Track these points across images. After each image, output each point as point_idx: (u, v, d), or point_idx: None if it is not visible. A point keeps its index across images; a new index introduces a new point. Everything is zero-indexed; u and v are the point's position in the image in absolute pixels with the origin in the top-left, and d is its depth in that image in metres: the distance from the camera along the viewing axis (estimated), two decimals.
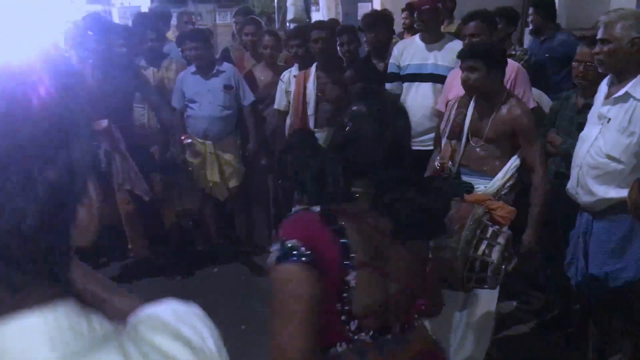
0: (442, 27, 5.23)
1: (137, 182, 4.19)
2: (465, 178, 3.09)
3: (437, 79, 4.01)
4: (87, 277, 0.99)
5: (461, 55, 3.10)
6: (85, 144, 0.67)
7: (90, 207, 0.69)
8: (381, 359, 1.47)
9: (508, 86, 3.44)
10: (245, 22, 5.20)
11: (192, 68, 4.57)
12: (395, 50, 4.29)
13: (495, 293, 3.09)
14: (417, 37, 4.26)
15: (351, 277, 1.41)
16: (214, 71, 4.52)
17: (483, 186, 3.05)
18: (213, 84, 4.50)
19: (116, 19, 13.45)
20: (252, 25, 5.03)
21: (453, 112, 3.24)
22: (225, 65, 4.61)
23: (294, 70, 4.36)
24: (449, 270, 2.74)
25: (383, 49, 4.61)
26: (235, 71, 4.56)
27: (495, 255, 2.73)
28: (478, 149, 3.13)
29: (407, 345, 1.53)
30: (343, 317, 1.43)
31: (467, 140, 3.16)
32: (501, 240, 2.75)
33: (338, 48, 4.40)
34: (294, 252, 1.35)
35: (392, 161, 1.49)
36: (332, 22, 5.98)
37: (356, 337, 1.45)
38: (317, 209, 1.45)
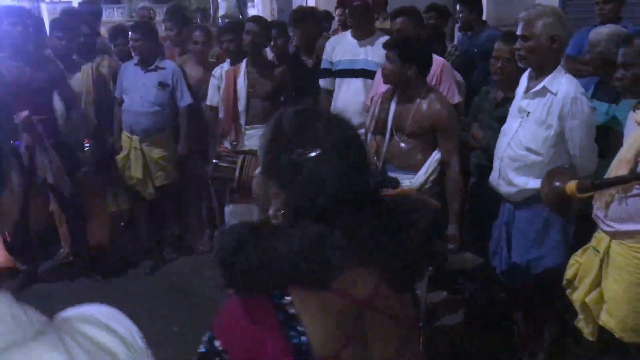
0: (377, 23, 5.32)
1: (59, 177, 4.07)
2: (390, 174, 3.14)
3: (368, 74, 4.05)
4: None
5: (383, 46, 3.22)
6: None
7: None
8: None
9: (433, 82, 3.52)
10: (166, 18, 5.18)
11: (136, 60, 4.50)
12: (328, 46, 4.31)
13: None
14: (348, 33, 4.29)
15: None
16: (153, 66, 4.46)
17: (408, 181, 3.11)
18: (148, 79, 4.44)
19: (45, 14, 13.00)
20: (170, 22, 5.01)
21: (377, 108, 3.29)
22: (167, 63, 4.55)
23: (226, 65, 4.31)
24: None
25: (311, 45, 4.63)
26: (176, 71, 4.49)
27: None
28: (402, 144, 3.18)
29: None
30: None
31: (391, 135, 3.21)
32: None
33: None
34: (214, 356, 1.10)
35: (360, 190, 1.19)
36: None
37: None
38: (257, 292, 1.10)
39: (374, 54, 4.09)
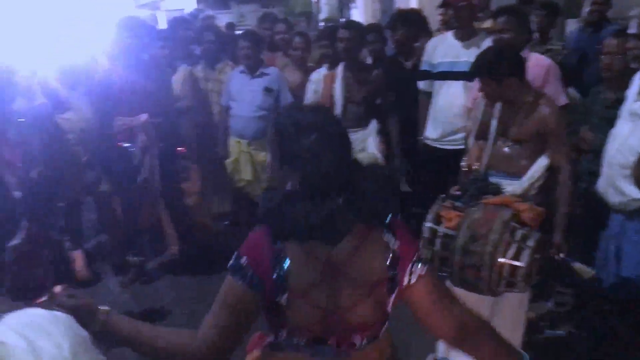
0: (480, 24, 5.15)
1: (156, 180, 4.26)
2: (493, 179, 3.02)
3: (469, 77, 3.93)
4: None
5: (470, 74, 3.10)
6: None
7: None
8: None
9: (540, 83, 3.34)
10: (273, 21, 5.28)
11: (242, 67, 4.66)
12: (429, 48, 4.22)
13: (525, 296, 3.01)
14: (450, 34, 4.17)
15: (282, 299, 1.51)
16: (259, 72, 4.60)
17: (511, 187, 2.98)
18: (255, 85, 4.58)
19: (163, 23, 13.71)
20: (283, 24, 5.10)
21: (479, 111, 3.17)
22: (271, 69, 4.69)
23: (323, 70, 4.35)
24: (475, 276, 2.68)
25: (409, 47, 4.56)
26: (280, 75, 4.63)
27: (524, 259, 2.65)
28: (506, 149, 3.05)
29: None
30: (276, 324, 1.58)
31: (495, 140, 3.09)
32: (530, 243, 2.67)
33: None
34: (240, 270, 1.51)
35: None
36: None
37: (290, 340, 1.58)
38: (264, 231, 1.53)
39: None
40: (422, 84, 4.25)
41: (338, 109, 4.10)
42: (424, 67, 4.23)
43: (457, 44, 4.05)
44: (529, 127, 2.98)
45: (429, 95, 4.19)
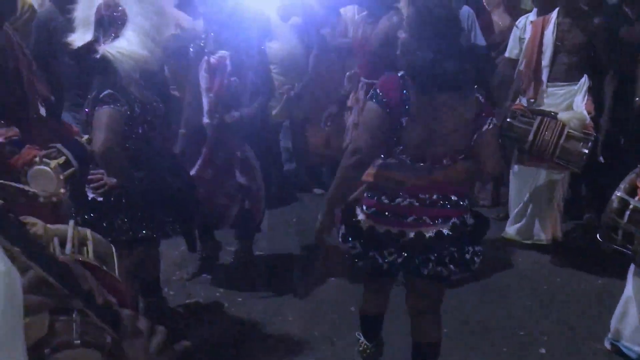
0: None
1: None
2: None
3: None
4: None
5: None
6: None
7: None
8: (411, 174, 2.26)
9: None
10: None
11: None
12: None
13: None
14: None
15: (404, 120, 2.21)
16: None
17: None
18: None
19: None
20: None
21: None
22: (463, 7, 4.45)
23: (532, 15, 4.00)
24: None
25: None
26: (471, 14, 4.42)
27: None
28: None
29: (431, 174, 2.27)
30: (395, 141, 2.25)
31: None
32: None
33: None
34: (376, 97, 2.22)
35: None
36: None
37: (400, 157, 2.28)
38: (399, 74, 2.26)
39: None
40: None
41: (546, 59, 3.75)
42: None
43: None
44: None
45: None
